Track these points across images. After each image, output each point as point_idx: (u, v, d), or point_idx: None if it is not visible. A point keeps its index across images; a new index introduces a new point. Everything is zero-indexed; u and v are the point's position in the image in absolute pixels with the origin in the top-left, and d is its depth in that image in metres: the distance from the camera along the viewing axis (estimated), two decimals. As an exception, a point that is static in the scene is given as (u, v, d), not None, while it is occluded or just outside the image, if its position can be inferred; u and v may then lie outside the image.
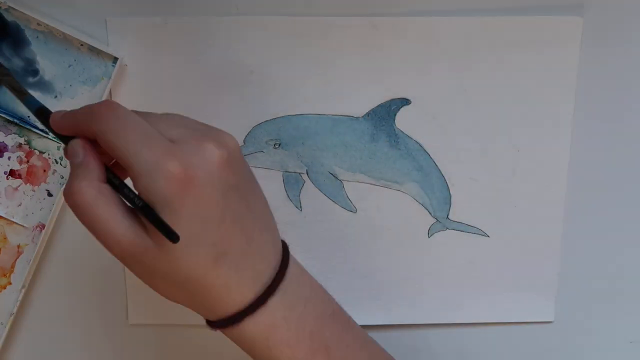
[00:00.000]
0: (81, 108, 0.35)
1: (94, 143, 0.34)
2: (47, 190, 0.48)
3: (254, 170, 0.48)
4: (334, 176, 0.49)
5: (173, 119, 0.35)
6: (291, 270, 0.37)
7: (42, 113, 0.37)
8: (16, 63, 0.46)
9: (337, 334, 0.39)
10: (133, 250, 0.33)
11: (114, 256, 0.34)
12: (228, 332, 0.37)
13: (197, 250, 0.33)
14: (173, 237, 0.31)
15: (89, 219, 0.33)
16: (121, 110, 0.33)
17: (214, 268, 0.34)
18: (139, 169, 0.32)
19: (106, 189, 0.34)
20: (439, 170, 0.49)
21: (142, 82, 0.47)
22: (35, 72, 0.46)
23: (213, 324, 0.37)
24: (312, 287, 0.39)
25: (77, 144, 0.34)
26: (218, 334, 0.47)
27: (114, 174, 0.34)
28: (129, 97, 0.47)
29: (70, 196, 0.33)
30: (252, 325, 0.36)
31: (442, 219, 0.49)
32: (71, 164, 0.34)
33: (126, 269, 0.49)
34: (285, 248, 0.38)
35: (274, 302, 0.36)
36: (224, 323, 0.36)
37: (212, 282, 0.34)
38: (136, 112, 0.34)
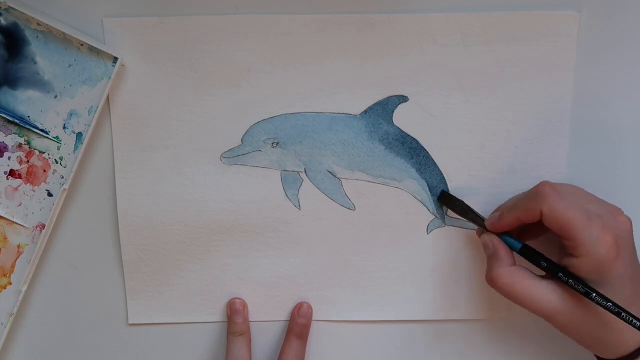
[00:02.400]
0: (517, 200, 0.45)
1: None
2: (47, 190, 0.48)
3: (252, 169, 0.49)
4: (332, 174, 0.49)
5: (583, 195, 0.45)
6: None
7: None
8: (16, 63, 0.46)
9: None
10: (551, 307, 0.43)
11: (539, 316, 0.44)
12: None
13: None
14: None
15: (513, 295, 0.44)
16: (561, 190, 0.43)
17: (618, 320, 0.42)
18: (585, 240, 0.42)
19: (517, 269, 0.44)
20: (438, 167, 0.49)
21: (139, 82, 0.47)
22: (35, 72, 0.46)
23: None
24: None
25: (487, 239, 0.46)
26: (215, 333, 0.51)
27: (532, 250, 0.45)
28: (127, 97, 0.47)
29: (493, 282, 0.45)
30: None
31: (441, 216, 0.49)
32: (486, 253, 0.46)
33: (125, 270, 0.49)
34: None
35: None
36: None
37: (619, 330, 0.43)
38: (561, 190, 0.43)
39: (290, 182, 0.49)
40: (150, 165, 0.49)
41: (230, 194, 0.49)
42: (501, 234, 0.46)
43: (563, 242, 0.43)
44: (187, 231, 0.49)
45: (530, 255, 0.45)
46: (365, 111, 0.48)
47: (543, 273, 0.45)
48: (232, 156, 0.49)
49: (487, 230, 0.46)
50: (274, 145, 0.49)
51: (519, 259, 0.45)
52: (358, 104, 0.48)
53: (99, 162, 0.48)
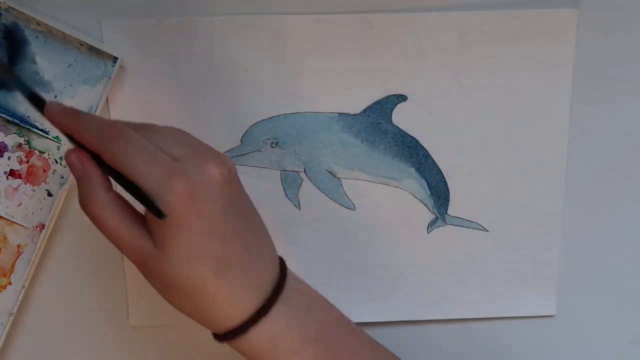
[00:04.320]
0: (87, 118, 0.37)
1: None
2: (47, 190, 0.48)
3: (252, 169, 0.49)
4: (332, 174, 0.49)
5: (174, 136, 0.38)
6: (289, 281, 0.40)
7: (36, 100, 0.37)
8: (16, 63, 0.46)
9: (342, 339, 0.40)
10: (139, 254, 0.37)
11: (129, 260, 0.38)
12: (235, 345, 0.39)
13: (198, 260, 0.36)
14: (161, 215, 0.34)
15: (101, 227, 0.37)
16: (129, 133, 0.36)
17: (216, 279, 0.36)
18: (147, 186, 0.34)
19: (111, 199, 0.37)
20: (437, 166, 0.49)
21: (138, 83, 0.47)
22: (35, 72, 0.46)
23: (220, 337, 0.39)
24: (311, 296, 0.41)
25: (73, 158, 0.37)
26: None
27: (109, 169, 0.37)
28: (127, 97, 0.48)
29: (83, 209, 0.38)
30: (258, 335, 0.38)
31: (441, 215, 0.49)
32: (74, 175, 0.38)
33: (126, 270, 0.50)
34: (282, 262, 0.41)
35: (275, 311, 0.38)
36: (230, 335, 0.38)
37: (214, 293, 0.37)
38: (136, 125, 0.37)
39: (290, 182, 0.49)
40: (150, 165, 0.49)
41: (230, 194, 0.49)
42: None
43: None
44: (187, 232, 0.49)
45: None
46: (365, 111, 0.48)
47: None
48: (231, 156, 0.49)
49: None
50: (274, 145, 0.49)
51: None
52: (357, 104, 0.48)
53: (99, 162, 0.49)
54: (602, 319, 0.45)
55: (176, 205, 0.34)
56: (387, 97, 0.48)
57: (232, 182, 0.37)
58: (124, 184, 0.36)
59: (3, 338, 0.49)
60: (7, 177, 0.48)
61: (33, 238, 0.48)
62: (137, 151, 0.35)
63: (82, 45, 0.46)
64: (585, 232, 0.50)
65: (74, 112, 0.37)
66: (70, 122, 0.36)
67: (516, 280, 0.50)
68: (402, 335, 0.51)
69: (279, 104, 0.48)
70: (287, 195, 0.49)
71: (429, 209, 0.49)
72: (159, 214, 0.34)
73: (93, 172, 0.37)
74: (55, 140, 0.47)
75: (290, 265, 0.50)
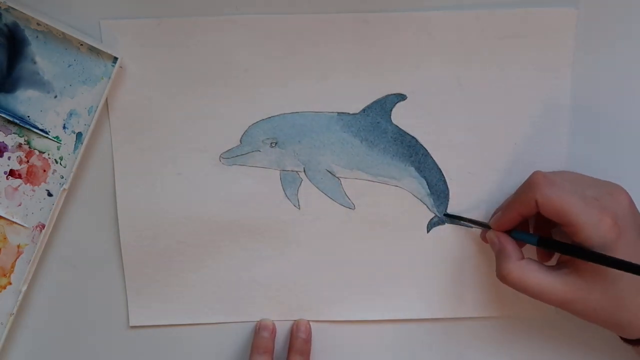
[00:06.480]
0: (514, 194, 0.45)
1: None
2: (47, 190, 0.48)
3: (252, 169, 0.49)
4: (331, 174, 0.49)
5: (580, 179, 0.45)
6: None
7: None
8: (16, 63, 0.46)
9: None
10: (567, 295, 0.43)
11: (552, 306, 0.44)
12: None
13: (626, 283, 0.42)
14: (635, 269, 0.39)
15: (526, 289, 0.43)
16: (554, 178, 0.43)
17: (637, 297, 0.42)
18: (584, 224, 0.41)
19: (526, 263, 0.44)
20: (437, 165, 0.49)
21: (138, 83, 0.48)
22: (35, 72, 0.47)
23: (631, 341, 0.45)
24: None
25: (492, 235, 0.46)
26: (216, 334, 0.50)
27: (551, 240, 0.44)
28: (126, 98, 0.48)
29: (504, 278, 0.44)
30: None
31: (441, 214, 0.49)
32: (493, 250, 0.46)
33: (126, 270, 0.49)
34: None
35: None
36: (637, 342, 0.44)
37: (637, 309, 0.42)
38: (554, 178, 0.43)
39: (289, 182, 0.49)
40: (150, 165, 0.49)
41: (229, 195, 0.49)
42: (514, 231, 0.45)
43: (564, 229, 0.43)
44: (187, 232, 0.49)
45: (550, 245, 0.44)
46: (364, 110, 0.48)
47: (553, 263, 0.44)
48: (231, 156, 0.49)
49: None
50: (273, 145, 0.49)
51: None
52: (357, 103, 0.48)
53: (99, 162, 0.49)
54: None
55: (610, 237, 0.41)
56: (387, 97, 0.48)
57: (632, 202, 0.43)
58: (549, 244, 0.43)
59: (3, 338, 0.49)
60: (7, 177, 0.48)
61: (33, 238, 0.48)
62: (568, 194, 0.42)
63: (82, 45, 0.46)
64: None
65: (507, 205, 0.45)
66: (509, 214, 0.45)
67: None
68: (402, 334, 0.51)
69: (278, 103, 0.48)
70: (286, 195, 0.49)
71: (428, 208, 0.49)
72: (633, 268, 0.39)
73: (508, 245, 0.45)
74: (55, 140, 0.47)
75: (291, 265, 0.50)
